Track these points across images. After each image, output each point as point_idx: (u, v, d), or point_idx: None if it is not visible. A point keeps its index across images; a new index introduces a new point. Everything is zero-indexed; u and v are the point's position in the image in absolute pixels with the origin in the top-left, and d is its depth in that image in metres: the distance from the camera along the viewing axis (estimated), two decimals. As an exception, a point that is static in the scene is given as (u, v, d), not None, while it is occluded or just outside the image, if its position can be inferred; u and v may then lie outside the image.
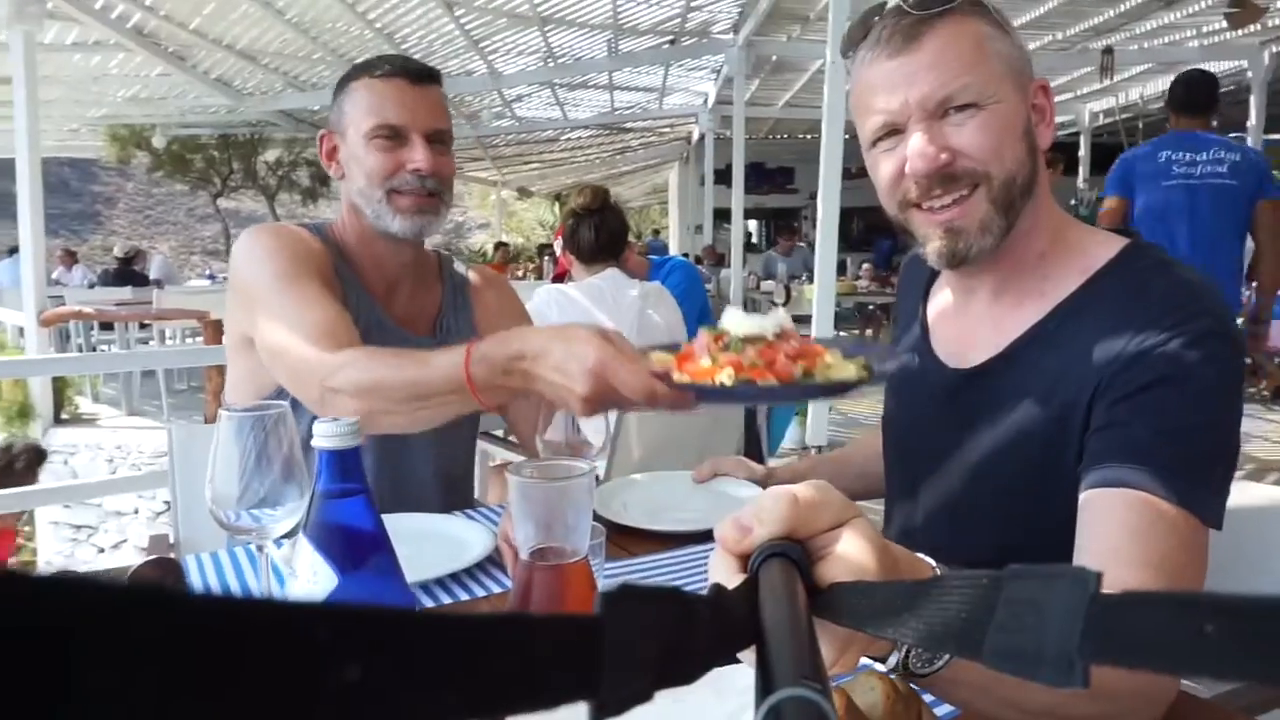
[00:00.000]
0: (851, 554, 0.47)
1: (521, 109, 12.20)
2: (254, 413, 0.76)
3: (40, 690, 0.13)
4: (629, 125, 14.05)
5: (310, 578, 0.57)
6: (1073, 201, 7.99)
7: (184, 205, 34.84)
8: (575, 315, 2.29)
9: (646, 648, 0.26)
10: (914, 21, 0.92)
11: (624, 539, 1.23)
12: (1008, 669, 0.26)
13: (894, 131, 0.96)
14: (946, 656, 0.59)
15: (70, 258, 12.65)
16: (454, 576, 1.08)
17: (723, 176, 9.75)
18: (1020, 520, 0.97)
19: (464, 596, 1.04)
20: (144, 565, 1.01)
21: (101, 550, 4.98)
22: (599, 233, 2.39)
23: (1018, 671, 0.26)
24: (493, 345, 0.94)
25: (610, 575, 1.10)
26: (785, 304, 8.10)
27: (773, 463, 3.62)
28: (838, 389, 0.88)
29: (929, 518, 1.07)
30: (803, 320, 7.10)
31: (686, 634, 0.29)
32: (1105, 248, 0.97)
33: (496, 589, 1.06)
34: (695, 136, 13.69)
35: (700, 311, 3.10)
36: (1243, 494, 1.32)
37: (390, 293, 1.43)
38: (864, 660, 0.57)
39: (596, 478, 1.92)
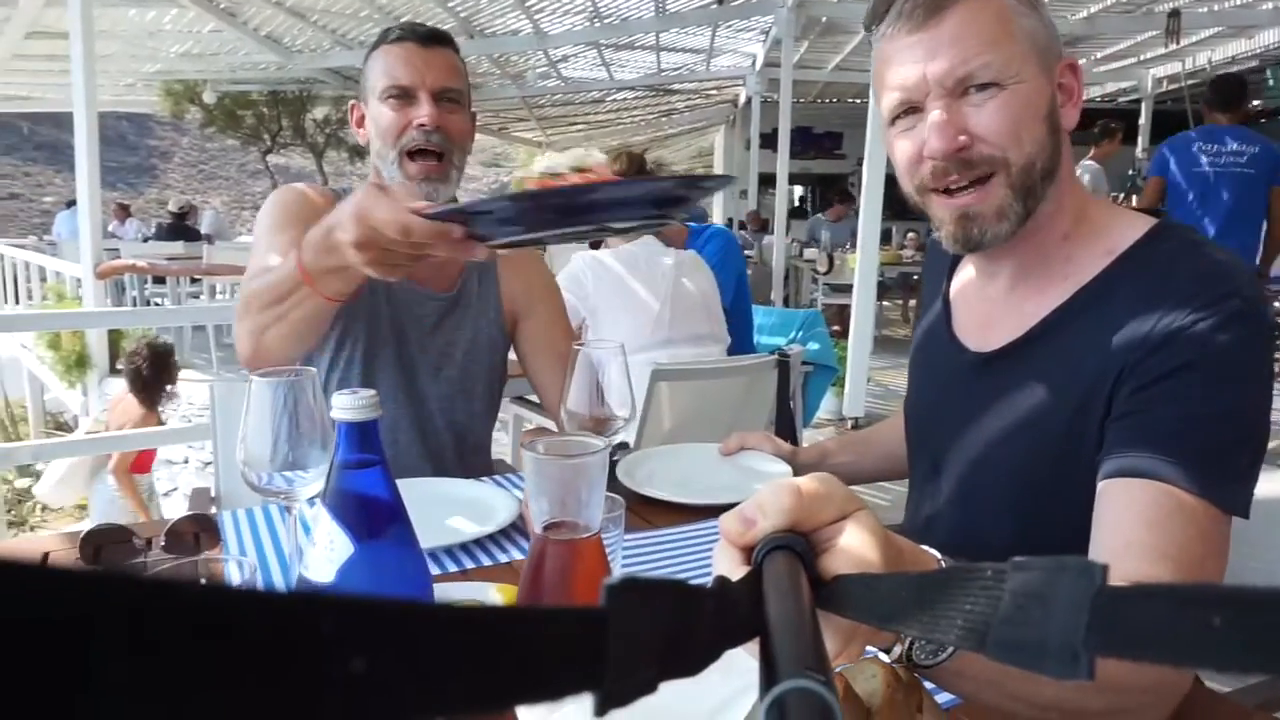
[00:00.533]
0: (855, 546, 0.48)
1: (567, 69, 12.10)
2: (283, 377, 0.78)
3: (59, 681, 0.13)
4: (675, 87, 13.87)
5: (327, 546, 0.59)
6: (1130, 171, 7.73)
7: (236, 161, 35.31)
8: (609, 282, 2.29)
9: (650, 640, 0.26)
10: None
11: (646, 509, 1.24)
12: (1012, 661, 0.26)
13: (912, 109, 0.94)
14: (951, 648, 0.59)
15: (124, 211, 12.94)
16: (479, 542, 1.10)
17: (769, 141, 9.60)
18: (1037, 508, 0.96)
19: (487, 562, 1.06)
20: (181, 520, 1.05)
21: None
22: None
23: (1022, 664, 0.26)
24: (314, 229, 0.99)
25: (630, 547, 1.12)
26: (828, 272, 8.00)
27: (808, 434, 3.61)
28: (592, 196, 0.84)
29: (948, 503, 1.07)
30: (845, 289, 7.01)
31: (690, 626, 0.29)
32: (1132, 228, 0.94)
33: (519, 555, 1.08)
34: (742, 99, 13.48)
35: (738, 280, 3.08)
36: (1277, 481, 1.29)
37: None
38: (868, 649, 0.58)
39: (625, 444, 1.94)
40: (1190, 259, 0.88)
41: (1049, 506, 0.95)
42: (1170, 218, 0.98)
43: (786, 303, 8.35)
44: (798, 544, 0.46)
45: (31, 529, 5.92)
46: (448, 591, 0.90)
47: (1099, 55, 10.32)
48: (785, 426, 2.41)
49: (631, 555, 1.10)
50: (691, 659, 0.29)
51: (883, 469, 1.40)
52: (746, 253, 6.82)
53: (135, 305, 7.56)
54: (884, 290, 8.19)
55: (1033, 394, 0.95)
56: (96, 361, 5.94)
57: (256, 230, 1.37)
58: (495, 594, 0.87)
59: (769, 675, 0.28)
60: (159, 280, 7.90)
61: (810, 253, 8.95)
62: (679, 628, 0.28)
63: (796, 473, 1.34)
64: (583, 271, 2.32)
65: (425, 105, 1.35)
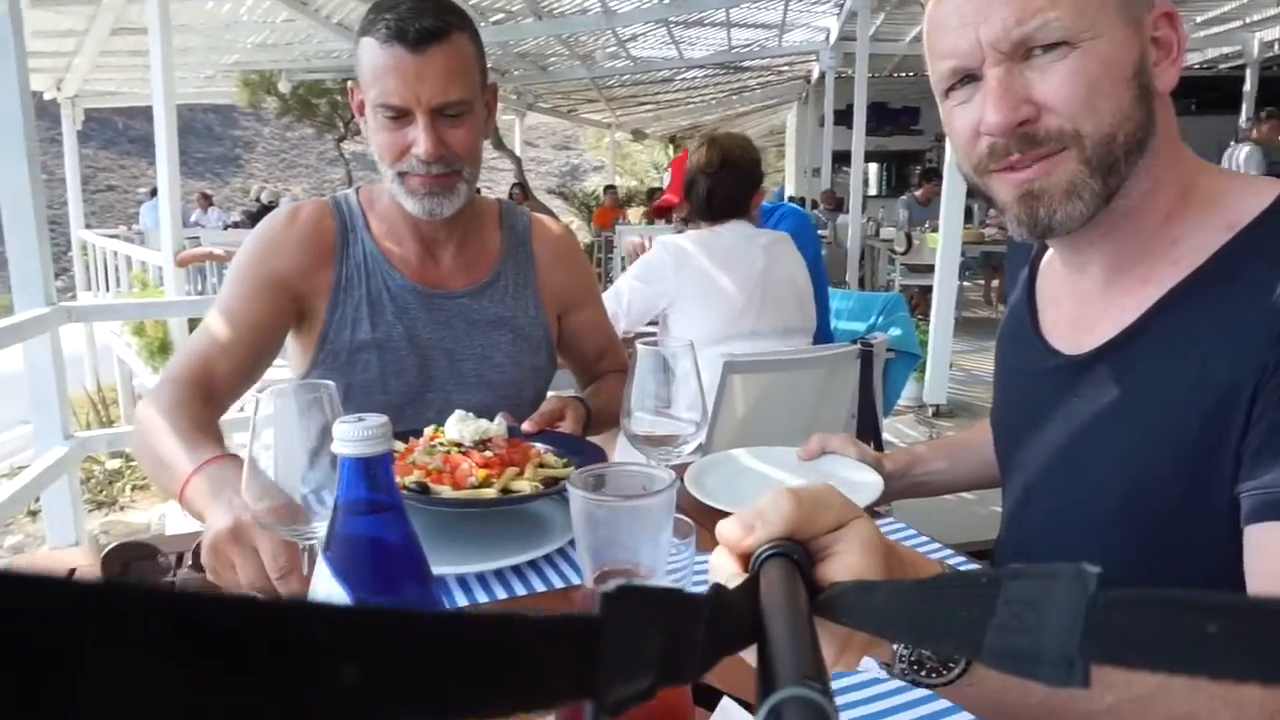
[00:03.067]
0: (853, 554, 0.48)
1: (636, 48, 11.95)
2: (292, 395, 0.68)
3: (45, 688, 0.13)
4: (746, 64, 13.59)
5: (327, 610, 0.48)
6: (1233, 142, 7.23)
7: (315, 149, 36.19)
8: (694, 269, 2.11)
9: (646, 648, 0.26)
10: None
11: (716, 523, 1.12)
12: (1007, 668, 0.26)
13: (969, 78, 0.80)
14: (958, 669, 0.55)
15: (206, 200, 13.34)
16: (532, 563, 0.99)
17: (843, 117, 9.29)
18: (1156, 535, 0.80)
19: (540, 588, 0.95)
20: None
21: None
22: (712, 196, 2.20)
23: (1018, 671, 0.26)
24: (202, 482, 0.94)
25: (701, 568, 1.00)
26: (906, 252, 7.70)
27: (886, 422, 3.43)
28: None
29: (1046, 528, 0.93)
30: (923, 270, 6.73)
31: (687, 634, 0.29)
32: (1254, 197, 0.77)
33: (576, 578, 0.97)
34: (815, 75, 13.12)
35: (813, 263, 2.90)
36: None
37: (427, 251, 1.37)
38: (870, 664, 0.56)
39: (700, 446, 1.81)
40: None
41: (1173, 534, 0.79)
42: None
43: (862, 284, 8.09)
44: (795, 551, 0.46)
45: (121, 509, 6.14)
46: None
47: (1200, 20, 9.67)
48: (867, 421, 2.25)
49: (703, 581, 0.98)
50: (688, 666, 0.29)
51: (980, 475, 1.25)
52: (820, 233, 6.59)
53: (215, 292, 7.74)
54: (963, 270, 7.86)
55: (1145, 400, 0.79)
56: (179, 347, 6.09)
57: (230, 267, 1.30)
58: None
59: (766, 684, 0.28)
60: (238, 267, 8.08)
61: (887, 232, 8.65)
62: (675, 635, 0.28)
63: (885, 482, 1.20)
64: (663, 259, 2.14)
65: (423, 132, 1.18)
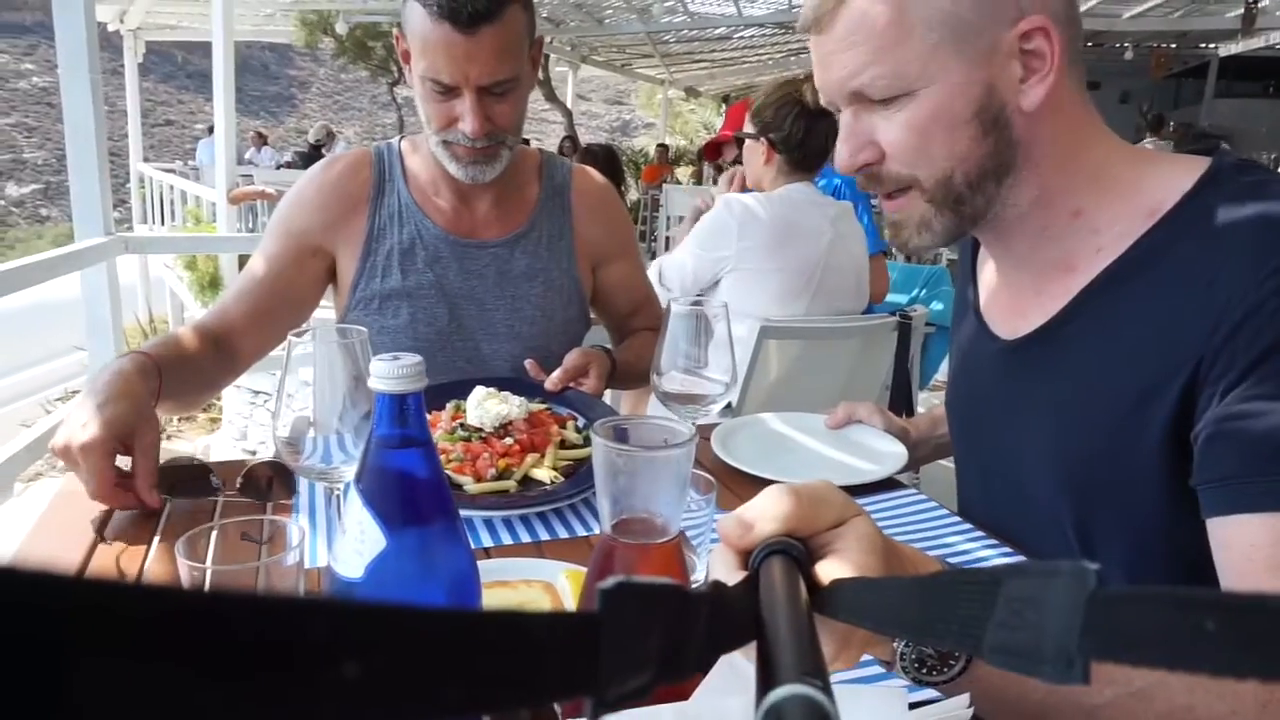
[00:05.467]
0: (852, 552, 0.48)
1: (694, 4, 11.75)
2: (320, 338, 0.71)
3: (25, 689, 0.13)
4: (806, 24, 13.30)
5: (358, 536, 0.51)
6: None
7: (368, 92, 36.34)
8: (752, 243, 1.95)
9: (646, 644, 0.26)
10: None
11: (738, 484, 1.14)
12: (1008, 666, 0.26)
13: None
14: (959, 666, 0.55)
15: (261, 139, 13.50)
16: (558, 511, 1.03)
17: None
18: (1093, 518, 0.84)
19: (564, 534, 0.98)
20: (260, 465, 1.02)
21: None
22: (828, 140, 2.00)
23: (1018, 668, 0.26)
24: (106, 368, 1.01)
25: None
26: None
27: (923, 396, 3.41)
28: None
29: (1000, 512, 0.97)
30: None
31: (686, 630, 0.29)
32: (1177, 179, 0.76)
33: (598, 527, 1.00)
34: (876, 38, 12.82)
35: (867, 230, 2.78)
36: None
37: (463, 201, 1.39)
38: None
39: (729, 404, 1.81)
40: (1256, 204, 0.71)
41: (1107, 516, 0.82)
42: (1228, 154, 0.78)
43: (909, 256, 7.96)
44: (795, 549, 0.46)
45: (168, 438, 6.34)
46: (513, 569, 0.83)
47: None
48: (901, 393, 2.24)
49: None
50: (687, 664, 0.29)
51: None
52: (872, 203, 6.48)
53: (264, 230, 7.88)
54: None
55: (1073, 385, 0.82)
56: (228, 283, 6.23)
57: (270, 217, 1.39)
58: (564, 579, 0.79)
59: (765, 681, 0.28)
60: (289, 207, 8.20)
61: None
62: (674, 632, 0.28)
63: (910, 450, 1.21)
64: (726, 221, 1.97)
65: (470, 111, 1.20)
